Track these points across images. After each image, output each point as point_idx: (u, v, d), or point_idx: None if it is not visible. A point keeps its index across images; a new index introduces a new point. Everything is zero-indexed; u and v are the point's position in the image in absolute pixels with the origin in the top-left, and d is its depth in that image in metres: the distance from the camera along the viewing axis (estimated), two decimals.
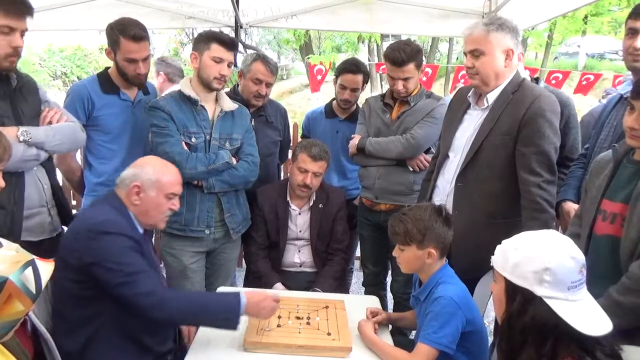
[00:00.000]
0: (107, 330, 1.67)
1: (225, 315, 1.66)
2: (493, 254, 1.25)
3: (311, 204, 2.59)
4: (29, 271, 1.14)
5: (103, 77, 2.38)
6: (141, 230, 1.83)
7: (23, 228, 1.87)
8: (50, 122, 1.97)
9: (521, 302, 1.12)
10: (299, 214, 2.59)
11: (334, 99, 3.06)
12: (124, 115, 2.38)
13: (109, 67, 2.42)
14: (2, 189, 1.58)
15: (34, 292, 1.13)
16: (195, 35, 2.41)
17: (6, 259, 1.11)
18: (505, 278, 1.16)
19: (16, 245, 1.17)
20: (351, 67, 2.85)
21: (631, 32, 1.85)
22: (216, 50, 2.22)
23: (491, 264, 1.21)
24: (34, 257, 1.18)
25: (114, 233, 1.63)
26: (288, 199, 2.58)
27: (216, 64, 2.23)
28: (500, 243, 1.26)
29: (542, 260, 1.10)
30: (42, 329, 1.54)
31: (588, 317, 1.10)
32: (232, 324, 1.64)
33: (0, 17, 1.75)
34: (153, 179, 1.79)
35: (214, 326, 1.70)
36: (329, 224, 2.60)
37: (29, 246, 1.84)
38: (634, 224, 1.45)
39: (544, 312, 1.09)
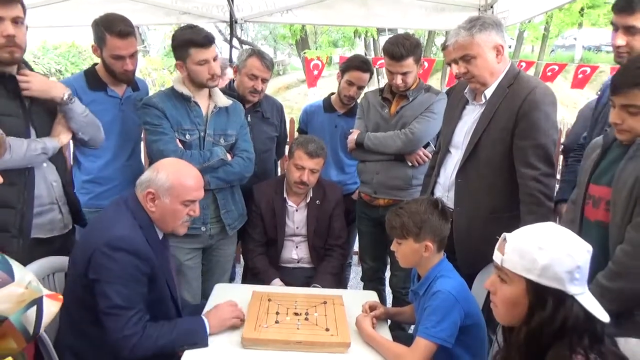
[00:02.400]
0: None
1: (192, 342, 1.67)
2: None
3: (308, 200, 2.57)
4: (32, 311, 1.12)
5: (90, 74, 2.35)
6: (161, 235, 1.81)
7: (33, 225, 1.86)
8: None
9: (554, 304, 1.09)
10: (296, 210, 2.58)
11: (332, 94, 3.05)
12: (112, 112, 2.34)
13: (96, 64, 2.38)
14: (11, 188, 1.55)
15: (31, 333, 1.12)
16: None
17: (12, 298, 1.09)
18: (528, 280, 1.11)
19: (29, 279, 1.13)
20: (362, 65, 2.82)
21: (614, 28, 1.82)
22: (196, 54, 2.17)
23: (499, 264, 1.17)
24: (44, 294, 1.15)
25: (126, 252, 1.60)
26: (285, 195, 2.57)
27: (202, 66, 2.19)
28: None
29: (573, 259, 1.08)
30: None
31: (597, 306, 1.11)
32: (201, 345, 1.68)
33: None
34: (166, 186, 1.71)
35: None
36: (326, 220, 2.59)
37: (40, 244, 1.87)
38: (617, 208, 1.46)
39: (577, 309, 1.08)
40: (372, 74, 2.90)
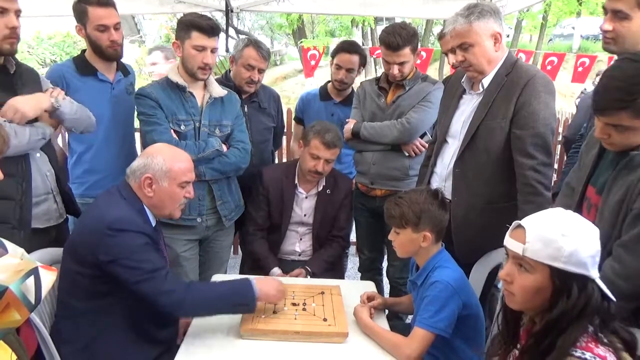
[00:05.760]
0: (116, 323, 1.67)
1: (241, 302, 1.68)
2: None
3: (320, 189, 2.52)
4: (31, 281, 1.12)
5: (78, 59, 2.35)
6: (154, 223, 1.81)
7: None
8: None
9: (578, 290, 1.10)
10: (306, 197, 2.53)
11: (329, 82, 3.03)
12: (103, 96, 2.33)
13: (85, 50, 2.38)
14: (9, 180, 1.55)
15: (33, 302, 1.12)
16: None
17: (9, 268, 1.09)
18: (552, 268, 1.11)
19: (21, 251, 1.15)
20: (348, 46, 2.81)
21: (605, 12, 1.79)
22: (197, 38, 2.15)
23: (521, 254, 1.15)
24: (38, 265, 1.16)
25: (130, 231, 1.61)
26: (296, 181, 2.52)
27: (198, 52, 2.16)
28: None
29: (594, 243, 1.10)
30: (39, 324, 1.54)
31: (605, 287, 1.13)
32: (249, 309, 1.69)
33: None
34: (164, 169, 1.74)
35: (230, 313, 1.73)
36: (334, 210, 2.55)
37: (37, 234, 1.87)
38: (605, 218, 1.44)
39: (597, 293, 1.10)
40: (362, 57, 2.87)
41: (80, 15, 2.24)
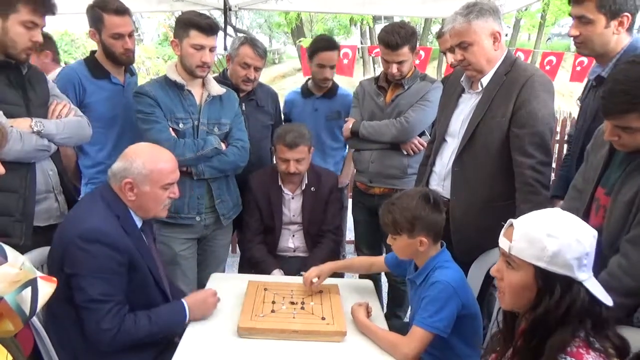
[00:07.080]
0: None
1: (170, 333, 1.72)
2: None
3: (303, 187, 2.56)
4: (27, 292, 1.11)
5: (91, 63, 2.34)
6: (140, 224, 1.78)
7: None
8: (59, 116, 1.96)
9: (562, 291, 1.09)
10: (292, 198, 2.57)
11: (309, 79, 3.01)
12: (116, 99, 2.35)
13: (94, 51, 2.38)
14: (13, 173, 1.56)
15: (27, 314, 1.11)
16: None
17: (6, 278, 1.08)
18: (536, 267, 1.11)
19: (22, 260, 1.14)
20: (328, 44, 2.79)
21: (572, 18, 1.83)
22: (195, 37, 2.15)
23: (507, 251, 1.16)
24: (38, 275, 1.15)
25: (99, 243, 1.57)
26: (280, 184, 2.55)
27: (197, 51, 2.16)
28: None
29: (581, 245, 1.08)
30: (37, 323, 1.54)
31: (602, 290, 1.11)
32: (178, 333, 1.71)
33: (27, 13, 1.76)
34: (144, 173, 1.68)
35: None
36: (321, 206, 2.58)
37: (36, 232, 1.87)
38: (614, 218, 1.44)
39: (583, 294, 1.09)
40: (339, 50, 2.86)
41: (95, 21, 2.24)
